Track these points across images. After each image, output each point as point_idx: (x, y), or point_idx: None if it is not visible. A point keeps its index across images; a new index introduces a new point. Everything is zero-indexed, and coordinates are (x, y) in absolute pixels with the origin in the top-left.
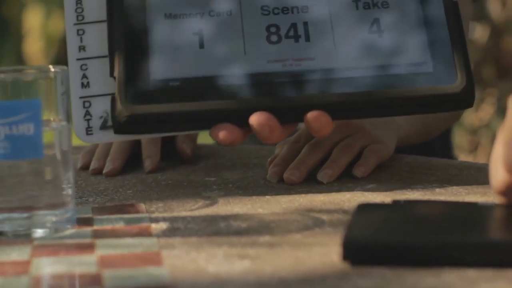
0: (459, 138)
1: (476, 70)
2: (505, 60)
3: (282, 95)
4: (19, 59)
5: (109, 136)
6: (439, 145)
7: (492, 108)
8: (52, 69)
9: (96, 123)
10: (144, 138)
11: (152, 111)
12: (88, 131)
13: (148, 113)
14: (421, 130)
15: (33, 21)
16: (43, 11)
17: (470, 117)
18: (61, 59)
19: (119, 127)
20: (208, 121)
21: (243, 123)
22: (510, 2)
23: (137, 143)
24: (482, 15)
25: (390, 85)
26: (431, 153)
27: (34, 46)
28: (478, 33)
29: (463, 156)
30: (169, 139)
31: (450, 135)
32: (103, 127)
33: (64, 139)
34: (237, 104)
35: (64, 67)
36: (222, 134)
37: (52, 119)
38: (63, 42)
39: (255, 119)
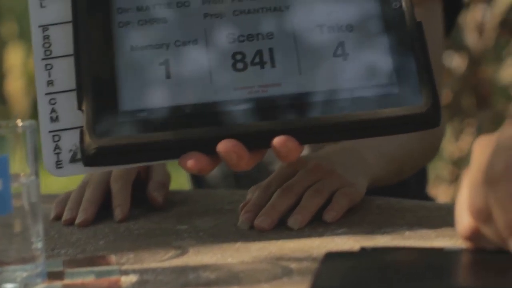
0: (439, 169)
1: (454, 100)
2: (483, 89)
3: (249, 121)
4: (1, 97)
5: (79, 169)
6: (414, 181)
7: (471, 138)
8: (20, 124)
9: (65, 156)
10: (114, 170)
11: (120, 143)
12: (58, 164)
13: (116, 144)
14: (394, 171)
15: (14, 59)
16: (24, 49)
17: (450, 147)
18: None
19: (89, 159)
20: (176, 150)
21: (211, 151)
22: (487, 31)
23: (109, 191)
24: (459, 45)
25: (356, 107)
26: (406, 190)
27: (15, 84)
28: (456, 62)
29: (443, 188)
30: (141, 186)
31: (426, 172)
32: (73, 160)
33: (33, 192)
34: (205, 133)
35: (33, 121)
36: (190, 163)
37: (21, 173)
38: None
39: (222, 146)
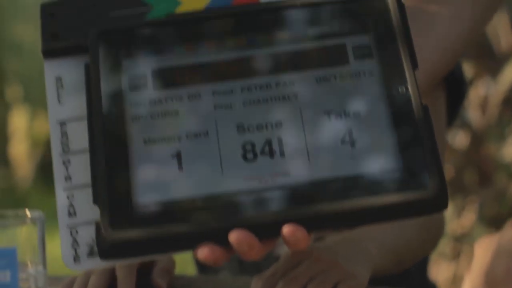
0: (441, 246)
1: (457, 176)
2: (486, 166)
3: (259, 211)
4: (5, 161)
5: (97, 263)
6: (416, 269)
7: (474, 215)
8: (29, 215)
9: (83, 250)
10: (130, 262)
11: (136, 236)
12: (76, 259)
13: (132, 238)
14: (393, 261)
15: (18, 122)
16: (28, 112)
17: (452, 224)
18: (46, 161)
19: (105, 253)
20: (190, 241)
21: (224, 242)
22: (490, 108)
23: (114, 278)
24: (462, 122)
25: (364, 193)
26: (407, 278)
27: (19, 148)
28: (459, 139)
29: (444, 265)
30: (146, 271)
31: (427, 259)
32: (90, 254)
33: (40, 282)
34: (217, 224)
35: (40, 212)
36: (204, 254)
37: (29, 263)
38: (48, 144)
39: (233, 237)
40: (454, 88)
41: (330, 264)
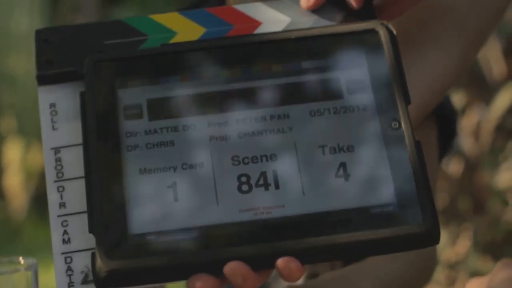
0: (436, 273)
1: (451, 204)
2: (480, 194)
3: (254, 243)
4: None
5: None
6: None
7: (468, 242)
8: (23, 263)
9: (77, 278)
10: None
11: (131, 266)
12: (70, 286)
13: (127, 267)
14: None
15: (12, 154)
16: (22, 144)
17: (447, 251)
18: (40, 192)
19: (100, 282)
20: (185, 272)
21: (218, 272)
22: (483, 136)
23: None
24: (455, 149)
25: (357, 227)
26: None
27: (13, 180)
28: (452, 167)
29: None
30: None
31: None
32: (85, 281)
33: None
34: (212, 255)
35: (34, 260)
36: (198, 285)
37: None
38: (42, 176)
39: (228, 268)
40: (446, 121)
41: None
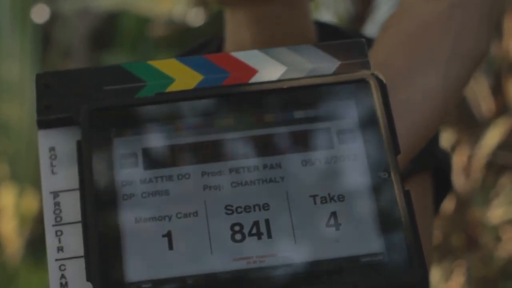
0: None
1: (444, 241)
2: (472, 230)
3: None
4: None
5: None
6: None
7: (462, 278)
8: None
9: None
10: None
11: None
12: None
13: None
14: None
15: (6, 200)
16: (15, 189)
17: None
18: (34, 238)
19: None
20: None
21: None
22: (473, 173)
23: None
24: None
25: (347, 276)
26: None
27: (7, 226)
28: (445, 204)
29: None
30: None
31: None
32: None
33: None
34: None
35: None
36: None
37: None
38: (36, 221)
39: None
40: (441, 175)
41: None
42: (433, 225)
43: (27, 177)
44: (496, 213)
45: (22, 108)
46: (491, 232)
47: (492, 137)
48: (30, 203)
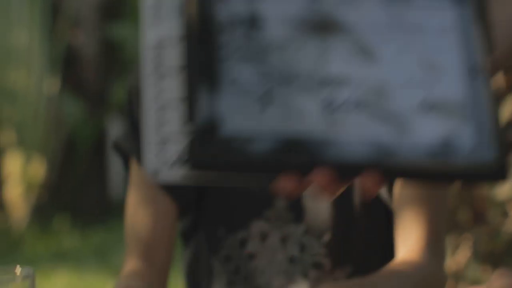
0: None
1: (451, 215)
2: (480, 205)
3: (343, 153)
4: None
5: (179, 177)
6: None
7: (468, 252)
8: (19, 272)
9: (167, 164)
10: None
11: (222, 154)
12: (159, 171)
13: (218, 155)
14: None
15: (13, 166)
16: (22, 156)
17: (447, 261)
18: (41, 204)
19: (194, 164)
20: (273, 169)
21: (306, 174)
22: None
23: None
24: None
25: (437, 154)
26: None
27: (14, 192)
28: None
29: None
30: None
31: None
32: (174, 167)
33: None
34: (302, 157)
35: (30, 269)
36: (283, 183)
37: None
38: (43, 187)
39: (317, 172)
40: None
41: None
42: (448, 193)
43: (33, 144)
44: (503, 188)
45: (30, 76)
46: (498, 207)
47: (502, 114)
48: (36, 170)
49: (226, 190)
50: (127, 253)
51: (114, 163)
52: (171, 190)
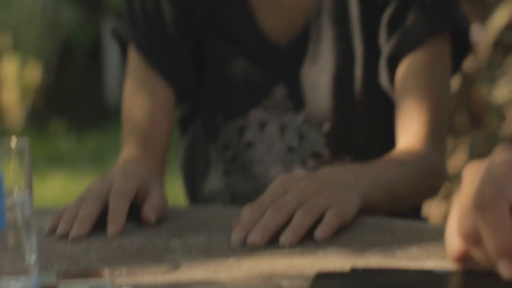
0: None
1: (448, 119)
2: (477, 108)
3: None
4: None
5: None
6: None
7: (465, 155)
8: (14, 142)
9: None
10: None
11: None
12: None
13: None
14: (388, 197)
15: (9, 70)
16: (18, 60)
17: None
18: (37, 108)
19: None
20: None
21: None
22: (481, 51)
23: (105, 209)
24: None
25: None
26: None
27: (10, 96)
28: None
29: (435, 203)
30: (137, 205)
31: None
32: None
33: (26, 209)
34: None
35: (26, 138)
36: None
37: (15, 189)
38: (38, 91)
39: None
40: (459, 37)
41: (319, 191)
42: (450, 85)
43: (29, 48)
44: (501, 92)
45: None
46: (496, 111)
47: (500, 17)
48: (32, 74)
49: (226, 77)
50: (124, 140)
51: (111, 67)
52: (169, 75)
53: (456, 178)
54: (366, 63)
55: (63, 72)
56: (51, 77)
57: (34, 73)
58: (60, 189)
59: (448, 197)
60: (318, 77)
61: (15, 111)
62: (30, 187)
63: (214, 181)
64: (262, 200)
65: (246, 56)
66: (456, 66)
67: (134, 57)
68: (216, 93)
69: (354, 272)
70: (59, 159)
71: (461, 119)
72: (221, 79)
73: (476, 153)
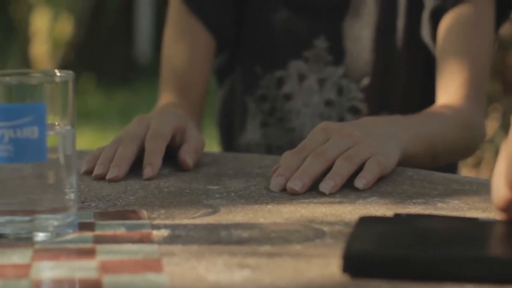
0: None
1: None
2: (510, 75)
3: None
4: (25, 61)
5: None
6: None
7: (496, 123)
8: (58, 74)
9: None
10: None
11: None
12: None
13: None
14: (427, 151)
15: (40, 23)
16: (50, 13)
17: None
18: (67, 62)
19: None
20: None
21: None
22: None
23: (141, 150)
24: None
25: None
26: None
27: (40, 49)
28: None
29: (466, 171)
30: (174, 148)
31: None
32: None
33: (68, 144)
34: None
35: (71, 72)
36: None
37: (56, 123)
38: (69, 45)
39: None
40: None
41: (360, 140)
42: (493, 44)
43: (62, 1)
44: None
45: None
46: None
47: None
48: (63, 28)
49: (267, 28)
50: (162, 88)
51: (142, 24)
52: (209, 23)
53: (488, 146)
54: (409, 16)
55: (95, 27)
56: (82, 32)
57: (66, 27)
58: (88, 145)
59: (478, 165)
60: (360, 30)
61: (45, 64)
62: (73, 122)
63: (250, 133)
64: (302, 146)
65: (289, 7)
66: (497, 27)
67: (175, 5)
68: (256, 43)
69: (397, 217)
70: (87, 115)
71: (494, 85)
72: (262, 29)
73: (508, 121)
